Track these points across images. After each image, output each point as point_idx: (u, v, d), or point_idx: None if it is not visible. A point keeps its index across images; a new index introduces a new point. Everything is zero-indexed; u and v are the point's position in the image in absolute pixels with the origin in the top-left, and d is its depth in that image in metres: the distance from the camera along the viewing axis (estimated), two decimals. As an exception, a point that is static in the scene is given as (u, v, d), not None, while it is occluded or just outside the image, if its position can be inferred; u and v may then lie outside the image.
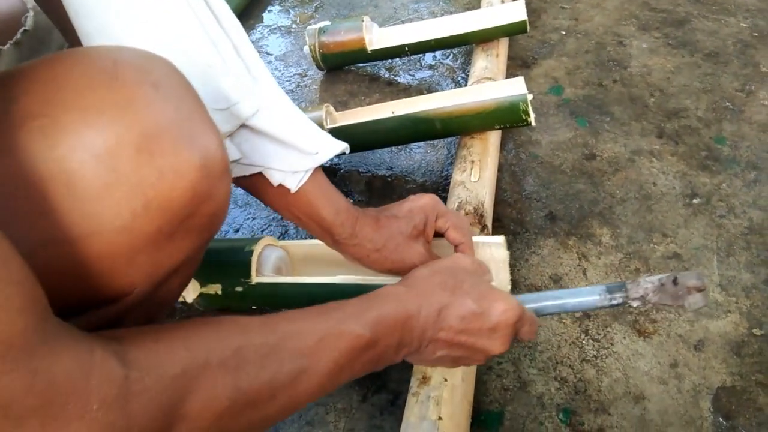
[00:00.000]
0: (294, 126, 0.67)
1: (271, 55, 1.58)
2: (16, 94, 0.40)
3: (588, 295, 0.63)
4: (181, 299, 0.86)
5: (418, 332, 0.57)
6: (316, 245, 0.83)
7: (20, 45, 0.58)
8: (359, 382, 0.84)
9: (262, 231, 1.10)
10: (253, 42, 1.62)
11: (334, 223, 0.72)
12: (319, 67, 1.46)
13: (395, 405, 0.81)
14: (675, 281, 0.62)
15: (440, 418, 0.67)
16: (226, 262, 0.84)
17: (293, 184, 0.69)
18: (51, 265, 0.41)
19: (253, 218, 1.13)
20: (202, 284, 0.85)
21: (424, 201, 0.77)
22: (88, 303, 0.45)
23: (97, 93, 0.41)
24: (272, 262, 0.85)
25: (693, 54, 1.39)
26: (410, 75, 1.44)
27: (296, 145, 0.67)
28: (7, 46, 0.56)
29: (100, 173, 0.41)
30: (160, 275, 0.48)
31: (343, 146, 0.72)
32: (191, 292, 0.85)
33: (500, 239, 0.78)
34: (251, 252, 0.83)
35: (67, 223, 0.41)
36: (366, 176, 1.18)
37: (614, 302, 0.63)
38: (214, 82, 0.60)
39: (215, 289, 0.84)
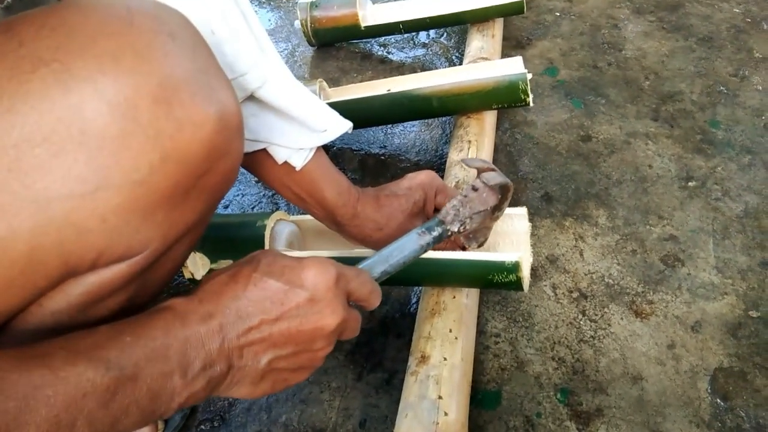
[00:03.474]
0: (301, 101, 0.65)
1: (260, 30, 1.54)
2: (24, 39, 0.38)
3: (411, 243, 0.61)
4: (189, 276, 0.83)
5: (215, 344, 0.44)
6: None
7: (11, 10, 0.55)
8: (354, 361, 0.82)
9: (252, 208, 1.07)
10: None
11: (337, 203, 0.70)
12: (310, 43, 1.42)
13: (391, 384, 0.80)
14: (474, 187, 0.64)
15: (440, 398, 0.66)
16: (239, 237, 0.82)
17: (299, 161, 0.67)
18: (65, 218, 0.39)
19: (243, 195, 1.10)
20: (213, 260, 0.82)
21: (422, 177, 0.75)
22: (102, 259, 0.43)
23: (112, 40, 0.39)
24: (285, 237, 0.83)
25: (687, 38, 1.38)
26: (404, 53, 1.42)
27: (304, 121, 0.65)
28: None
29: (117, 123, 0.39)
30: (173, 235, 0.46)
31: (349, 125, 0.70)
32: (201, 269, 0.82)
33: (522, 210, 0.77)
34: (264, 227, 0.81)
35: (83, 174, 0.39)
36: (359, 154, 1.16)
37: (436, 234, 0.62)
38: (217, 51, 0.57)
39: (226, 264, 0.82)
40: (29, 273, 0.41)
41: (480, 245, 0.68)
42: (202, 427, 0.77)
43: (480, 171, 0.66)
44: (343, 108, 1.05)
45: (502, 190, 0.64)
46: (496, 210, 0.65)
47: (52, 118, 0.37)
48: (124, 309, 0.51)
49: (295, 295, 0.47)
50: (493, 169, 0.66)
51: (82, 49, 0.38)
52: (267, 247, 0.80)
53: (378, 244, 0.74)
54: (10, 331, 0.46)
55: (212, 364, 0.44)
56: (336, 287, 0.49)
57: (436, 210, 0.77)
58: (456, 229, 0.62)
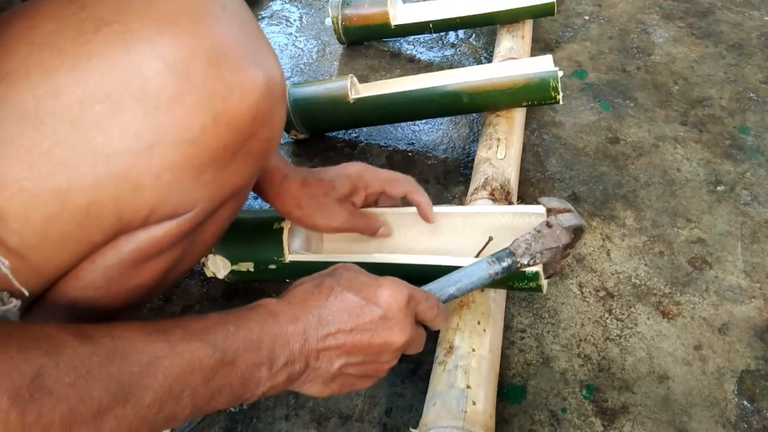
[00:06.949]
0: None
1: (291, 26, 1.56)
2: (86, 2, 0.40)
3: (480, 271, 0.64)
4: (210, 275, 0.84)
5: (298, 344, 0.49)
6: None
7: None
8: (380, 352, 0.83)
9: (281, 200, 1.09)
10: (273, 12, 1.61)
11: (262, 178, 0.73)
12: (340, 41, 1.44)
13: (416, 375, 0.80)
14: (548, 224, 0.66)
15: (468, 387, 0.67)
16: (257, 241, 0.81)
17: None
18: (122, 173, 0.41)
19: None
20: (233, 262, 0.82)
21: (352, 170, 0.78)
22: (153, 216, 0.45)
23: (168, 4, 0.41)
24: (303, 235, 0.83)
25: (717, 45, 1.38)
26: (432, 52, 1.43)
27: None
28: None
29: (173, 83, 0.41)
30: (220, 196, 0.49)
31: None
32: (222, 270, 0.83)
33: (542, 209, 0.77)
34: (281, 230, 0.80)
35: (140, 131, 0.40)
36: (387, 150, 1.17)
37: (506, 265, 0.64)
38: None
39: (247, 266, 0.82)
40: (86, 227, 0.43)
41: (549, 277, 0.69)
42: (231, 409, 0.79)
43: (556, 211, 0.68)
44: (373, 103, 1.07)
45: (577, 231, 0.67)
46: (567, 247, 0.67)
47: (113, 76, 0.39)
48: (171, 269, 0.53)
49: (370, 310, 0.53)
50: (569, 210, 0.68)
51: (140, 11, 0.40)
52: (286, 250, 0.80)
53: (301, 221, 0.76)
54: (62, 286, 0.48)
55: (293, 361, 0.49)
56: (407, 308, 0.55)
57: (374, 203, 0.81)
58: (525, 262, 0.64)
